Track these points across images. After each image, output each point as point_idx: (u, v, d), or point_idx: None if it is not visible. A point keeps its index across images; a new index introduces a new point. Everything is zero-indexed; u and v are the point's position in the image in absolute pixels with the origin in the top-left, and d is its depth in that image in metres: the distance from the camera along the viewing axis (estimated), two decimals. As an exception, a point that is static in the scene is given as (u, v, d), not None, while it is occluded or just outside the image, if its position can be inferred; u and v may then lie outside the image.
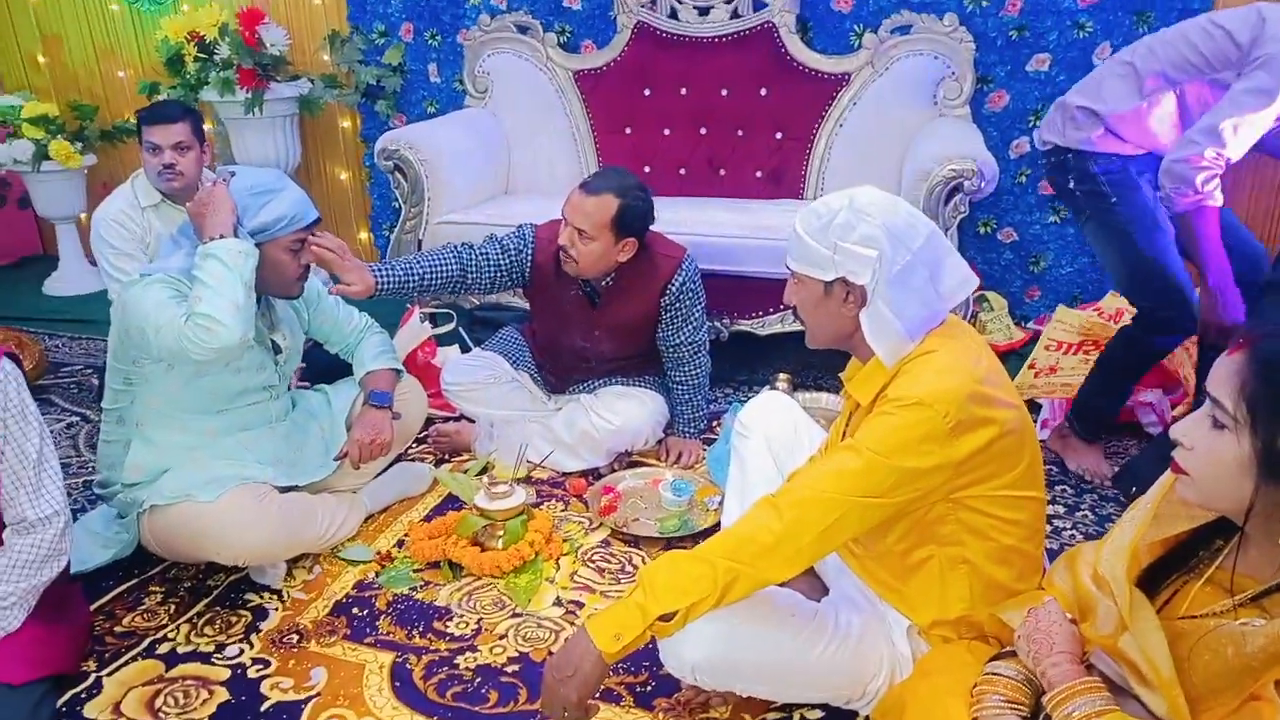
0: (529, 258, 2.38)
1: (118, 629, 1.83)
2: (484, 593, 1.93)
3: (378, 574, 2.00)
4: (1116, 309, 2.58)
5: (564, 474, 2.41)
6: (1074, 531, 2.13)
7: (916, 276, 1.38)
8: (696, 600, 1.30)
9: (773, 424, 1.79)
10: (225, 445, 1.97)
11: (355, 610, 1.88)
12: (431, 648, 1.76)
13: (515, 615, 1.86)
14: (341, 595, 1.93)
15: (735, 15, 3.25)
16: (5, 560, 1.54)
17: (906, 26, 3.13)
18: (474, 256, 2.32)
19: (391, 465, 2.32)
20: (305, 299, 2.14)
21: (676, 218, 2.74)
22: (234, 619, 1.86)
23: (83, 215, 4.17)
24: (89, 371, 3.15)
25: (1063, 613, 1.23)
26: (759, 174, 3.31)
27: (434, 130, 3.27)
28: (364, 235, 4.17)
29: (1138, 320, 2.23)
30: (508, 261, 2.36)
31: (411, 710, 1.60)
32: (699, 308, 2.41)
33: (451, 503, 2.28)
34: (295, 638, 1.80)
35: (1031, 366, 2.75)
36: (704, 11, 3.28)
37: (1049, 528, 1.82)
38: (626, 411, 2.40)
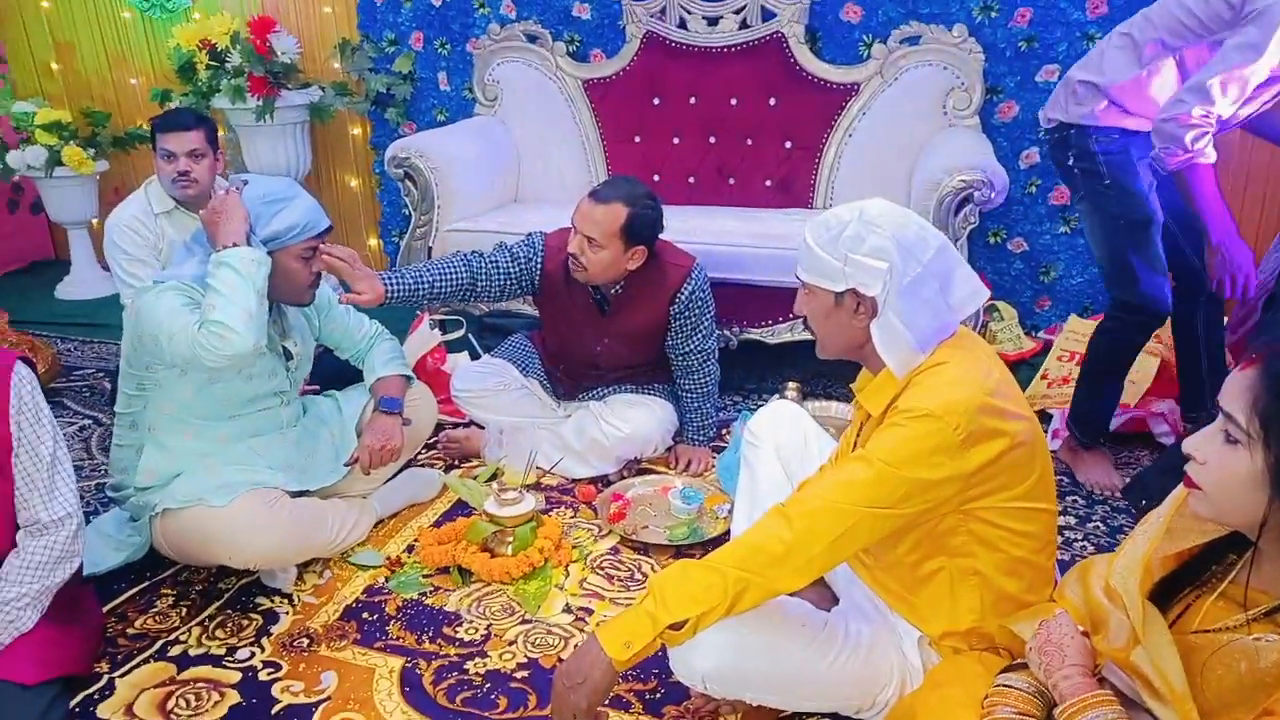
0: (539, 265, 2.39)
1: (130, 631, 1.84)
2: (493, 598, 1.94)
3: (388, 579, 2.00)
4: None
5: (573, 481, 2.42)
6: (1085, 543, 2.13)
7: (927, 288, 1.39)
8: (707, 609, 1.30)
9: (783, 433, 1.80)
10: (237, 451, 1.98)
11: (365, 615, 1.89)
12: (441, 653, 1.77)
13: (525, 621, 1.87)
14: (351, 600, 1.94)
15: (744, 25, 3.26)
16: (19, 561, 1.55)
17: (916, 37, 3.14)
18: (484, 264, 2.34)
19: (401, 471, 2.34)
20: (316, 306, 2.16)
21: (686, 226, 2.75)
22: (245, 622, 1.87)
23: (94, 220, 4.20)
24: (101, 375, 3.17)
25: (1074, 625, 1.23)
26: (768, 183, 3.32)
27: (444, 138, 3.28)
28: (373, 242, 4.18)
29: (1111, 309, 2.26)
30: (517, 269, 2.37)
31: (421, 715, 1.61)
32: (708, 316, 2.42)
33: (461, 509, 2.28)
34: (306, 641, 1.81)
35: (1044, 377, 2.76)
36: (713, 21, 3.30)
37: (1060, 539, 1.82)
38: (636, 419, 2.41)
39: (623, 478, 2.42)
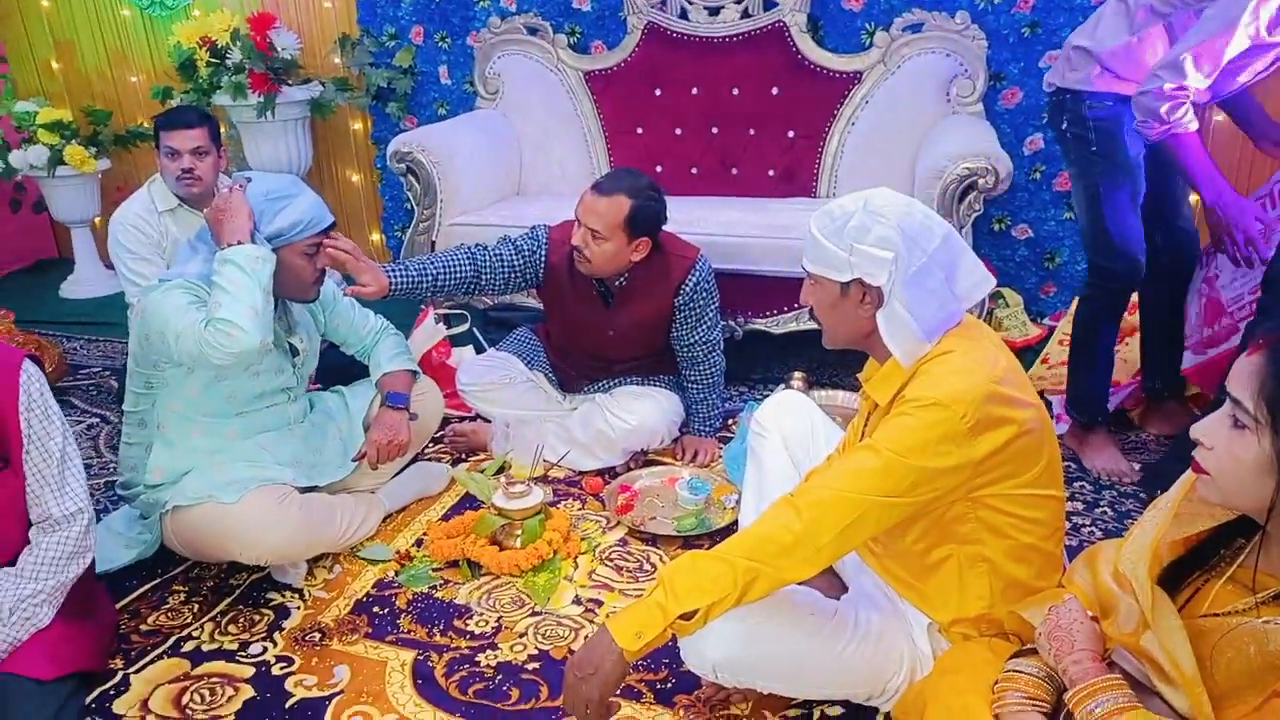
0: (542, 258, 2.39)
1: (143, 627, 1.86)
2: (503, 591, 1.95)
3: (397, 573, 2.01)
4: (1132, 304, 2.58)
5: (580, 473, 2.42)
6: (1093, 529, 2.13)
7: (932, 278, 1.39)
8: (716, 599, 1.31)
9: (790, 423, 1.80)
10: (245, 447, 1.99)
11: (376, 609, 1.90)
12: (452, 646, 1.78)
13: (535, 614, 1.88)
14: (362, 594, 1.95)
15: (746, 15, 3.25)
16: (33, 558, 1.57)
17: (918, 25, 3.13)
18: (488, 257, 2.34)
19: (409, 465, 2.34)
20: (321, 302, 2.16)
21: (689, 217, 2.75)
22: (257, 617, 1.88)
23: (97, 219, 4.21)
24: (107, 373, 3.18)
25: (1084, 610, 1.23)
26: (771, 173, 3.32)
27: (446, 132, 3.28)
28: (376, 237, 4.19)
29: (1089, 276, 2.30)
30: (521, 262, 2.37)
31: (434, 707, 1.62)
32: (713, 307, 2.43)
33: (469, 502, 2.29)
34: (317, 636, 1.82)
35: (1045, 361, 2.76)
36: (714, 11, 3.29)
37: (1068, 525, 1.82)
38: (642, 411, 2.41)
39: (629, 469, 2.42)
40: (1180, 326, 2.45)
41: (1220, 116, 2.67)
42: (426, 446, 2.50)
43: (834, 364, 2.93)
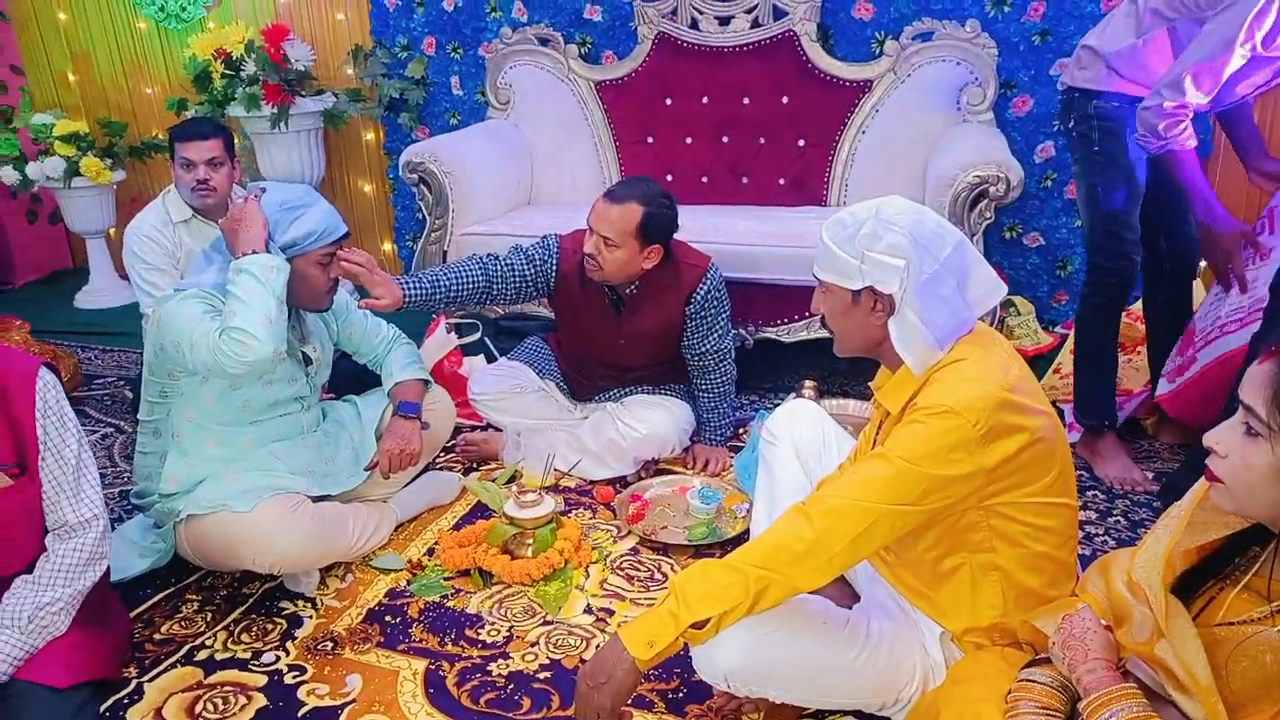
0: (554, 267, 2.40)
1: (157, 636, 1.87)
2: (514, 600, 1.95)
3: (409, 582, 2.02)
4: (1139, 315, 2.58)
5: (591, 482, 2.43)
6: (1106, 538, 2.12)
7: (944, 285, 1.39)
8: (728, 608, 1.31)
9: (801, 432, 1.80)
10: (259, 456, 2.00)
11: (388, 618, 1.90)
12: (464, 655, 1.78)
13: (546, 623, 1.88)
14: (374, 603, 1.95)
15: (756, 24, 3.27)
16: (50, 565, 1.58)
17: (928, 33, 3.13)
18: (499, 267, 2.35)
19: (420, 474, 2.35)
20: (334, 311, 2.17)
21: (700, 225, 2.75)
22: (270, 626, 1.89)
23: (112, 230, 4.24)
24: (121, 383, 3.20)
25: (1097, 619, 1.23)
26: (781, 181, 3.32)
27: (457, 142, 3.30)
28: (388, 247, 4.21)
29: (1088, 274, 2.34)
30: (532, 271, 2.38)
31: (446, 716, 1.62)
32: (724, 316, 2.43)
33: (480, 511, 2.30)
34: (330, 645, 1.82)
35: (1057, 370, 2.76)
36: (725, 21, 3.30)
37: (1081, 534, 1.82)
38: (653, 419, 2.42)
39: (640, 478, 2.42)
40: (1168, 326, 2.46)
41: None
42: (438, 456, 2.51)
43: (845, 373, 2.92)
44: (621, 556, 2.11)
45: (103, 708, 1.64)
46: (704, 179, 3.40)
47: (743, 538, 2.05)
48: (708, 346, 2.42)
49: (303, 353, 2.07)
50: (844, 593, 1.70)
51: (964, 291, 1.42)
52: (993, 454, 1.32)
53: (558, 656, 1.77)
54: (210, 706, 1.67)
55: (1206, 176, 2.15)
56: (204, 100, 3.79)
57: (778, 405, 1.93)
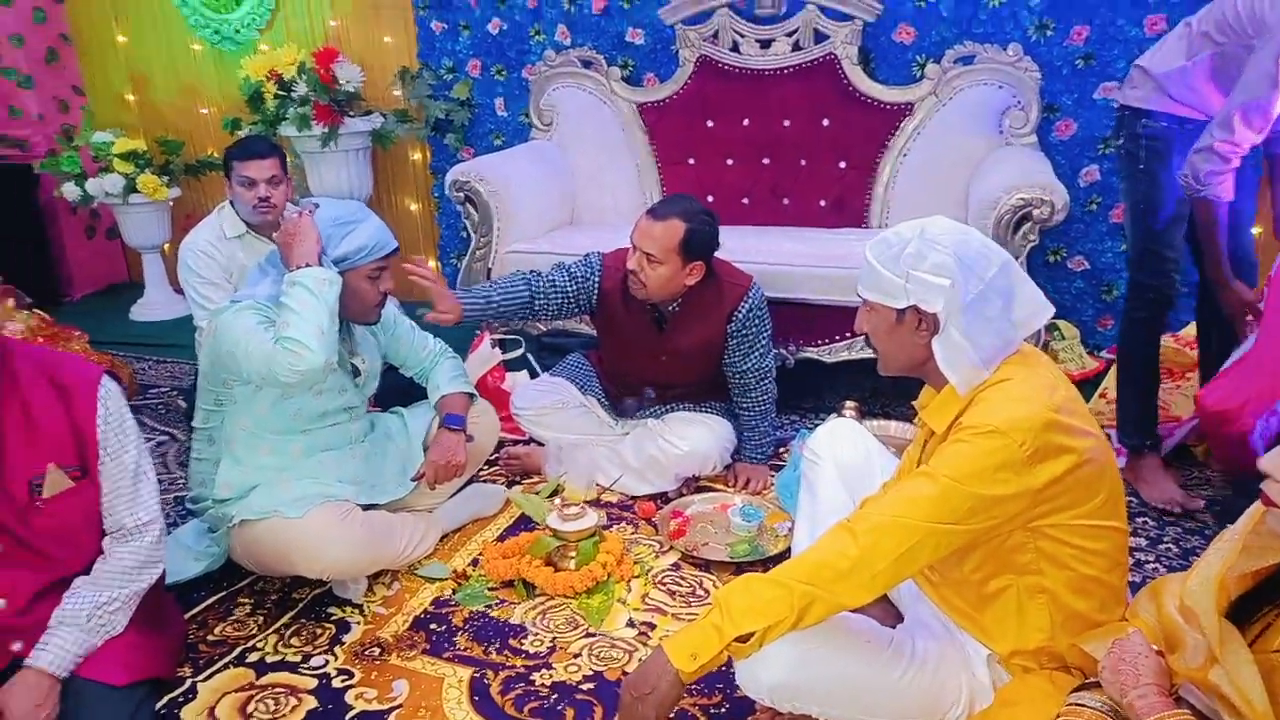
0: (595, 284, 2.44)
1: (210, 638, 1.91)
2: (557, 612, 1.97)
3: (454, 591, 2.05)
4: (1193, 339, 2.55)
5: (632, 498, 2.45)
6: (1157, 565, 2.10)
7: (990, 305, 1.40)
8: (772, 623, 1.32)
9: (844, 450, 1.81)
10: (309, 464, 2.05)
11: (433, 626, 1.93)
12: (508, 664, 1.81)
13: (589, 635, 1.90)
14: (420, 611, 1.99)
15: (797, 48, 3.30)
16: (108, 566, 1.62)
17: (970, 57, 3.14)
18: (542, 283, 2.39)
19: (465, 486, 2.39)
20: (382, 324, 2.22)
21: (740, 246, 2.77)
22: (319, 631, 1.92)
23: (167, 245, 4.37)
24: (174, 393, 3.28)
25: (1148, 644, 1.22)
26: (822, 203, 3.34)
27: (502, 162, 3.36)
28: (432, 264, 4.28)
29: (1128, 291, 2.37)
30: (574, 288, 2.42)
31: (491, 725, 1.64)
32: (765, 335, 2.45)
33: (524, 524, 2.33)
34: (377, 650, 1.86)
35: (1103, 395, 2.73)
36: (766, 44, 3.34)
37: (1131, 561, 1.80)
38: (694, 436, 2.43)
39: (681, 495, 2.44)
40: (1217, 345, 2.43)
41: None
42: (482, 469, 2.54)
43: (887, 393, 2.92)
44: (663, 571, 2.12)
45: (158, 706, 1.69)
46: (744, 200, 3.43)
47: (784, 556, 2.06)
48: (749, 365, 2.44)
49: (352, 364, 2.12)
50: (888, 612, 1.70)
51: (1010, 312, 1.42)
52: (1040, 475, 1.32)
53: (600, 668, 1.79)
54: (262, 707, 1.71)
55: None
56: (257, 120, 3.90)
57: (818, 425, 1.94)
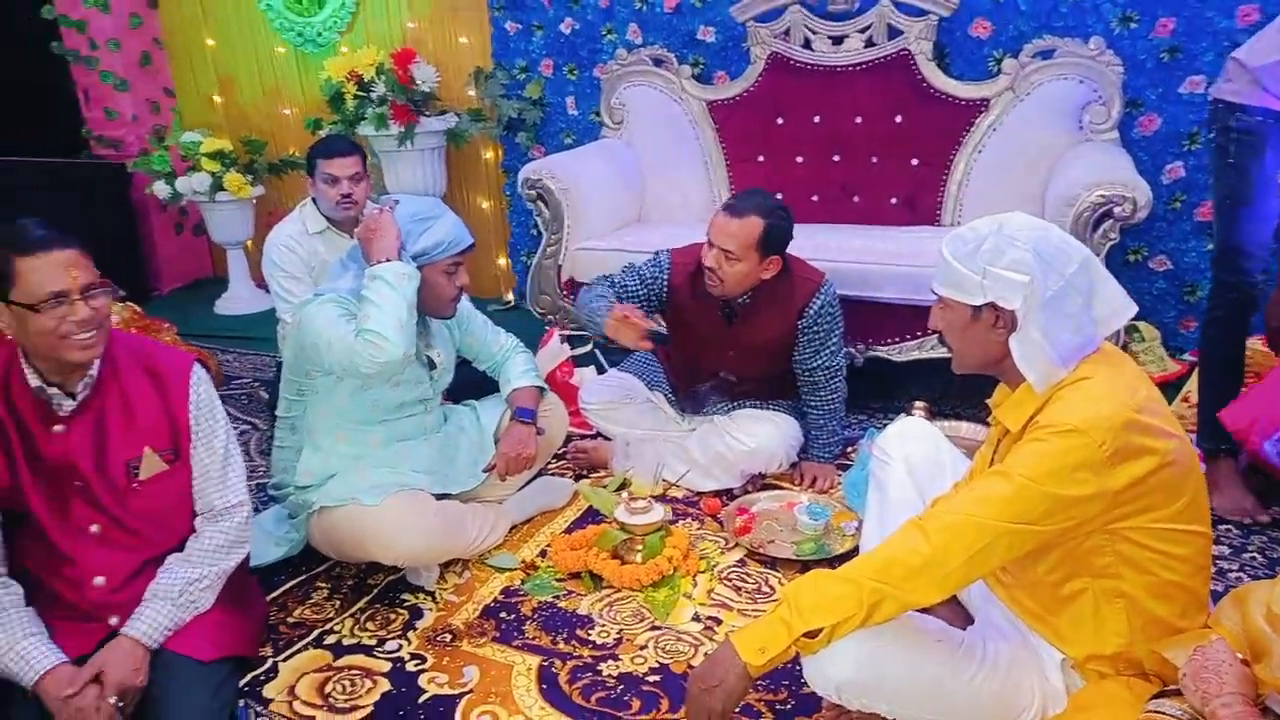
0: (665, 283, 2.45)
1: (290, 619, 1.99)
2: (624, 604, 1.99)
3: (523, 581, 2.09)
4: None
5: (698, 494, 2.46)
6: (1240, 574, 2.03)
7: (1070, 302, 1.37)
8: (842, 619, 1.32)
9: (914, 450, 1.79)
10: (386, 454, 2.11)
11: (503, 614, 1.97)
12: (575, 654, 1.84)
13: (655, 628, 1.91)
14: (490, 599, 2.03)
15: (870, 44, 3.26)
16: (198, 545, 1.70)
17: (1049, 51, 3.07)
18: (616, 289, 2.42)
19: (534, 479, 2.43)
20: (457, 319, 2.27)
21: (810, 243, 2.75)
22: (393, 616, 1.98)
23: (250, 241, 4.52)
24: (257, 384, 3.40)
25: (1233, 652, 1.19)
26: (894, 200, 3.30)
27: (573, 160, 3.40)
28: (502, 261, 4.35)
29: (1211, 289, 2.32)
30: (645, 291, 2.44)
31: (559, 712, 1.67)
32: (836, 332, 2.43)
33: (591, 516, 2.36)
34: (448, 637, 1.90)
35: (1185, 399, 2.65)
36: (838, 41, 3.31)
37: (1213, 569, 1.75)
38: (760, 433, 2.43)
39: (747, 492, 2.44)
40: None
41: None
42: (550, 462, 2.58)
43: (957, 394, 2.88)
44: (729, 567, 2.13)
45: (241, 683, 1.76)
46: (814, 198, 3.40)
47: (850, 555, 2.04)
48: (819, 362, 2.43)
49: (428, 357, 2.18)
50: (957, 614, 1.68)
51: (1090, 309, 1.39)
52: (1119, 476, 1.30)
53: (666, 661, 1.81)
54: (339, 688, 1.77)
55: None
56: (337, 120, 4.01)
57: (887, 425, 1.92)
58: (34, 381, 1.57)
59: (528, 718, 1.67)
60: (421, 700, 1.72)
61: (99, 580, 1.63)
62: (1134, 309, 1.45)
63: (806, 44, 3.35)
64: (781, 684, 1.70)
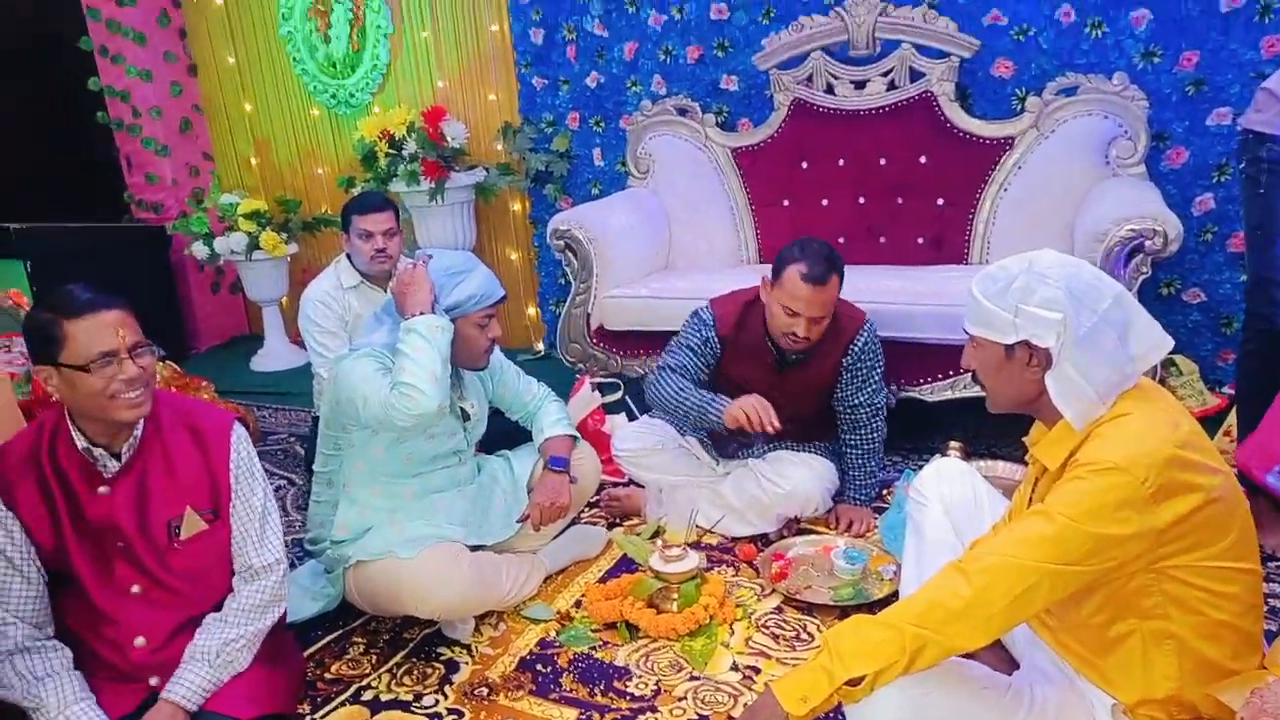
0: (716, 339, 2.46)
1: (327, 675, 1.99)
2: (661, 654, 1.97)
3: (558, 633, 2.08)
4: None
5: (733, 539, 2.44)
6: (1293, 612, 1.97)
7: (1105, 339, 1.36)
8: (884, 666, 1.30)
9: (952, 491, 1.77)
10: (420, 506, 2.12)
11: (539, 667, 1.96)
12: (613, 706, 1.81)
13: (693, 678, 1.89)
14: (526, 652, 2.02)
15: (892, 87, 3.29)
16: (236, 604, 1.71)
17: (1072, 88, 3.08)
18: (688, 374, 2.42)
19: (567, 528, 2.42)
20: (490, 370, 2.29)
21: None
22: (429, 670, 1.97)
23: (284, 298, 4.61)
24: (292, 440, 3.44)
25: (1290, 693, 1.15)
26: (920, 240, 3.30)
27: (600, 210, 3.44)
28: (532, 311, 4.40)
29: (1245, 322, 2.32)
30: (702, 361, 2.46)
31: (598, 766, 1.65)
32: (878, 371, 2.44)
33: (625, 565, 2.34)
34: (485, 691, 1.89)
35: (1227, 434, 2.60)
36: (860, 85, 3.34)
37: (1265, 608, 1.69)
38: (796, 476, 2.42)
39: (782, 537, 2.42)
40: None
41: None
42: (583, 511, 2.58)
43: (991, 433, 2.84)
44: (766, 615, 2.10)
45: (279, 740, 1.76)
46: (841, 240, 3.40)
47: (890, 600, 2.01)
48: (861, 399, 2.43)
49: (461, 408, 2.20)
50: (1001, 659, 1.64)
51: (1126, 345, 1.38)
52: (1163, 514, 1.27)
53: (706, 712, 1.78)
54: (377, 744, 1.76)
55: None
56: (369, 177, 4.10)
57: (922, 466, 1.90)
58: (80, 443, 1.61)
59: (566, 772, 1.65)
60: (460, 755, 1.71)
61: (139, 641, 1.65)
62: (1170, 343, 1.43)
63: (829, 89, 3.39)
64: (824, 734, 1.66)
